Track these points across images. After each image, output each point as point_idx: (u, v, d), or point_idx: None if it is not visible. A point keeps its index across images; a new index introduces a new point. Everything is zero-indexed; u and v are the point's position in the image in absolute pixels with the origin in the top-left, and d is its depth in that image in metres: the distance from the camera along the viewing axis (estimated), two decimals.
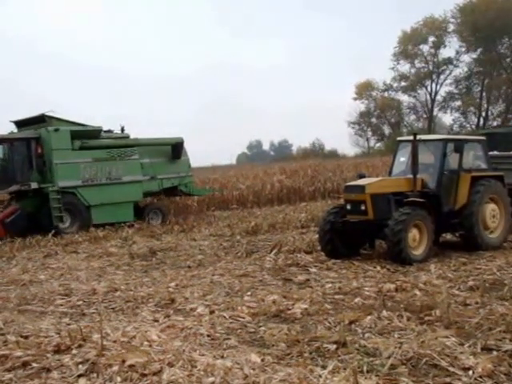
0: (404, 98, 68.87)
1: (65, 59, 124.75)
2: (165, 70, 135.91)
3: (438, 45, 64.98)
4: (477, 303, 7.25)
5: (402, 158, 11.74)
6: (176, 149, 19.83)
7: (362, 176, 12.03)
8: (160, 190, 19.73)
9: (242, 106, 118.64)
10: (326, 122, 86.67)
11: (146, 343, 5.88)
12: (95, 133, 18.42)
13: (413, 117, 70.18)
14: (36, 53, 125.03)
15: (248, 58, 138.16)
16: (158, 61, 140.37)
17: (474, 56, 63.91)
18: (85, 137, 17.90)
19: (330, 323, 6.67)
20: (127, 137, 19.47)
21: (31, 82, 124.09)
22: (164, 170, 19.63)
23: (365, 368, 5.09)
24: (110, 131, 19.40)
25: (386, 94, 69.26)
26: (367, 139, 72.78)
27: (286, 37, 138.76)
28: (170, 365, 5.23)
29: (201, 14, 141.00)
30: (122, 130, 19.64)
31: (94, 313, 7.77)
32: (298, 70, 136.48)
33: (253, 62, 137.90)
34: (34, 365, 5.52)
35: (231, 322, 6.90)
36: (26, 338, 6.37)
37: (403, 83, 67.51)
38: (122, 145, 18.78)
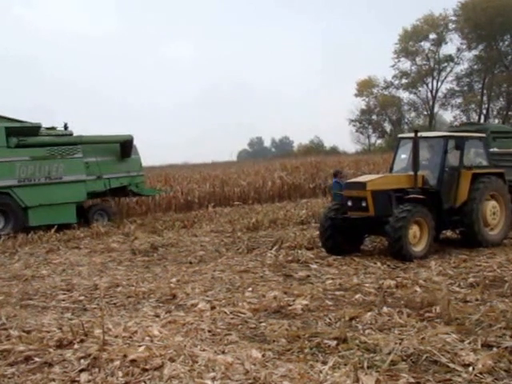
0: (404, 95, 68.98)
1: None
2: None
3: (439, 42, 64.96)
4: (477, 300, 7.29)
5: (403, 155, 11.77)
6: (125, 147, 18.80)
7: (337, 172, 13.80)
8: (106, 189, 18.72)
9: (242, 104, 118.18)
10: (327, 120, 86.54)
11: (147, 338, 5.91)
12: (34, 130, 17.29)
13: (413, 114, 70.29)
14: None
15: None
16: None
17: (475, 53, 63.91)
18: (22, 134, 16.86)
19: (330, 319, 6.70)
20: (70, 134, 18.46)
21: None
22: (112, 169, 18.64)
23: (365, 364, 5.12)
24: (52, 128, 18.49)
25: (386, 92, 69.31)
26: (368, 136, 72.88)
27: (286, 36, 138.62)
28: (172, 360, 5.26)
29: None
30: (65, 127, 18.72)
31: (95, 308, 7.79)
32: (298, 68, 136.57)
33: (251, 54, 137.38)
34: (37, 359, 5.55)
35: (232, 318, 6.92)
36: (29, 332, 6.41)
37: (404, 80, 67.55)
38: (63, 142, 17.70)
